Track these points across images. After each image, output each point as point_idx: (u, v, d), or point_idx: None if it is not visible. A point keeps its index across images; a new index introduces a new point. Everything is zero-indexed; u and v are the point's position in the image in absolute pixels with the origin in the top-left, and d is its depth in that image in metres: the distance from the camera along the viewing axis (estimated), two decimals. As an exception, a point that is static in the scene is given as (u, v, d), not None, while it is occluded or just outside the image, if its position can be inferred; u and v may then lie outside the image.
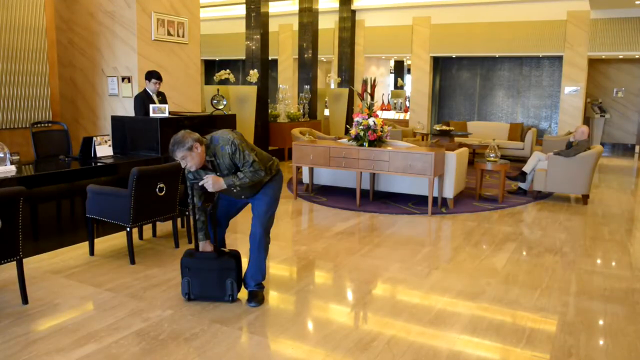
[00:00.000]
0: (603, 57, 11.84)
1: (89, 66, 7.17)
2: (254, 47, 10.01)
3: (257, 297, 3.57)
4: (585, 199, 6.94)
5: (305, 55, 11.50)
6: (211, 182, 3.26)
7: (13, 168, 4.43)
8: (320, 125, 11.55)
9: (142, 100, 5.96)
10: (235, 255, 3.60)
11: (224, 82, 9.07)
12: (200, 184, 3.35)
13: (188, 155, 3.16)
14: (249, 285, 3.62)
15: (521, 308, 3.60)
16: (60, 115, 7.05)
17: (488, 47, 12.12)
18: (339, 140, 7.03)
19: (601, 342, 3.14)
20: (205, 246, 3.55)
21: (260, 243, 3.54)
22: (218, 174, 3.32)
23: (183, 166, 3.24)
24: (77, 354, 2.86)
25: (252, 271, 3.59)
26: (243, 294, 3.66)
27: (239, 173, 3.31)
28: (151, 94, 6.02)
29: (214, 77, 9.16)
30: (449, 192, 6.48)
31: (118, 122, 5.97)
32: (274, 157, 3.66)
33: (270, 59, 10.46)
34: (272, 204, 3.57)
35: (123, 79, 6.87)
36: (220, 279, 3.53)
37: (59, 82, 7.09)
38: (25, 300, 3.49)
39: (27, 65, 6.37)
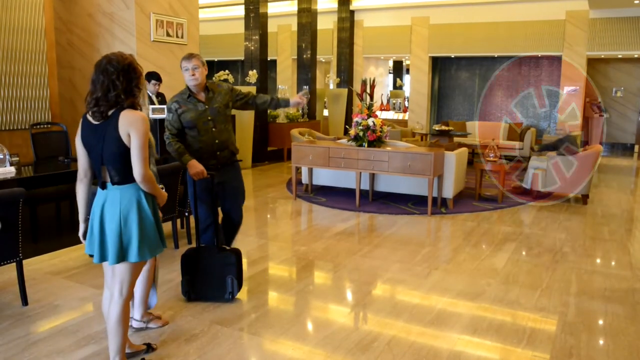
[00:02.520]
0: (602, 56, 11.84)
1: (88, 67, 7.15)
2: (252, 48, 10.01)
3: None
4: (584, 198, 6.94)
5: (304, 56, 11.50)
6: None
7: (12, 169, 4.43)
8: (319, 125, 11.55)
9: (142, 102, 5.95)
10: (236, 252, 3.60)
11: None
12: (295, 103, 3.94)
13: (201, 67, 3.52)
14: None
15: (521, 308, 3.60)
16: (59, 116, 7.05)
17: (487, 47, 12.12)
18: (338, 141, 7.02)
19: (602, 342, 3.15)
20: (196, 164, 3.51)
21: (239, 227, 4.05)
22: (207, 107, 3.59)
23: (190, 75, 3.50)
24: (78, 355, 2.86)
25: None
26: (243, 294, 3.66)
27: (272, 101, 3.90)
28: (151, 95, 6.02)
29: (213, 78, 9.15)
30: (449, 192, 6.48)
31: (117, 123, 5.96)
32: None
33: (269, 59, 10.47)
34: (244, 191, 4.01)
35: (122, 80, 6.86)
36: (220, 276, 3.53)
37: (58, 84, 7.07)
38: (25, 301, 3.49)
39: (26, 66, 6.37)
